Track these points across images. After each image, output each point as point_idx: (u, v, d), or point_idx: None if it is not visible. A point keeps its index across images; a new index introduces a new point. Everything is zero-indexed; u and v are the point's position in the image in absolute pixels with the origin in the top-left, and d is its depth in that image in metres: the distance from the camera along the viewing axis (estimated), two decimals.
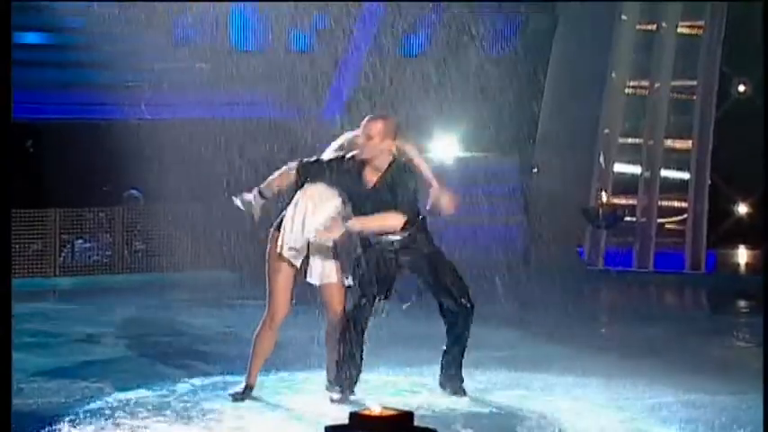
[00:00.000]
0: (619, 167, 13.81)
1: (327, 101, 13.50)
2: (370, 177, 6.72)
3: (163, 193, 12.66)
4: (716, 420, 6.41)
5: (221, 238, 12.57)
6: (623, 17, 13.62)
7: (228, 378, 7.31)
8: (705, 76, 13.32)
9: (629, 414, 6.55)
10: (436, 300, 6.91)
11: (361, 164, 6.71)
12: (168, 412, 6.46)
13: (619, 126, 13.80)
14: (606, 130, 13.75)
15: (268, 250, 6.84)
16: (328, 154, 6.90)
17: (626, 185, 13.69)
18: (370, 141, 6.65)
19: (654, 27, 13.61)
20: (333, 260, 6.91)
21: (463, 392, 6.91)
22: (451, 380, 6.93)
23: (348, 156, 6.76)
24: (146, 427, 6.17)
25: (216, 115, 13.16)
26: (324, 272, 6.88)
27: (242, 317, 10.05)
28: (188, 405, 6.63)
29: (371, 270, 6.80)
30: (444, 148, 13.34)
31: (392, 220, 6.71)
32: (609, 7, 13.50)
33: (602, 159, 13.75)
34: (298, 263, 6.79)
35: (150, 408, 6.55)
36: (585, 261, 13.60)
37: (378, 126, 6.66)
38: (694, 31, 13.46)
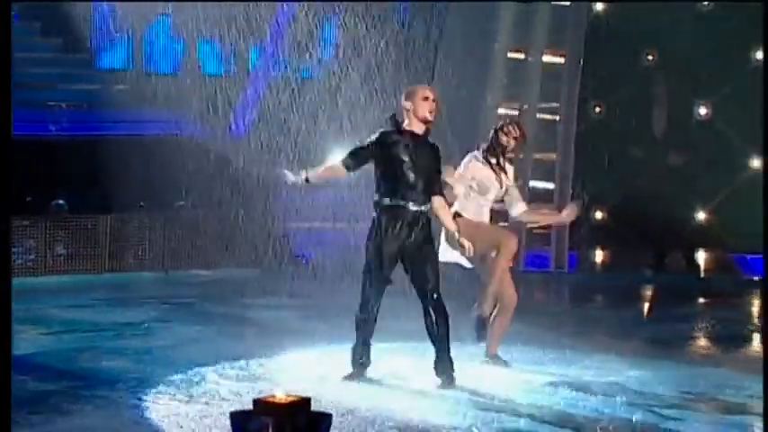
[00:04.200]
0: None
1: (234, 119, 13.46)
2: (405, 137, 6.76)
3: (83, 204, 12.50)
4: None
5: (138, 243, 12.45)
6: (497, 46, 13.85)
7: (147, 369, 7.25)
8: (566, 99, 13.64)
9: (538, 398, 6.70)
10: (415, 288, 6.83)
11: (400, 131, 6.78)
12: (85, 402, 6.39)
13: None
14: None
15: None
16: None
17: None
18: (410, 109, 6.83)
19: (522, 56, 13.87)
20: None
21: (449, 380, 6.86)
22: (438, 366, 6.85)
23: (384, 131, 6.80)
24: (64, 416, 6.10)
25: (131, 133, 13.04)
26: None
27: (157, 314, 9.97)
28: (107, 395, 6.57)
29: (385, 242, 6.70)
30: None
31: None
32: (484, 38, 13.70)
33: None
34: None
35: (69, 398, 6.47)
36: None
37: (412, 98, 6.81)
38: (557, 60, 13.77)
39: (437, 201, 6.87)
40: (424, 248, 6.79)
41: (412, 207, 6.73)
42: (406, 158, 6.72)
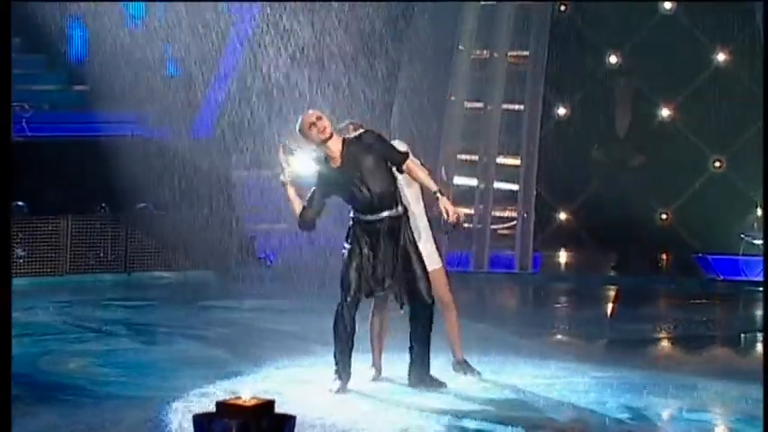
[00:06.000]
0: (458, 180, 14.08)
1: (198, 120, 13.42)
2: (335, 163, 6.71)
3: (43, 205, 12.42)
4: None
5: (99, 244, 12.40)
6: (461, 47, 13.93)
7: (109, 372, 7.23)
8: (530, 100, 13.72)
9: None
10: (400, 293, 6.76)
11: (326, 160, 6.74)
12: (45, 406, 6.37)
13: (458, 143, 14.08)
14: (446, 147, 14.01)
15: None
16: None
17: (465, 196, 13.96)
18: (311, 141, 6.71)
19: (487, 56, 13.96)
20: (432, 244, 6.89)
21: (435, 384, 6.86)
22: (417, 373, 6.84)
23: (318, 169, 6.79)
24: (24, 419, 6.08)
25: (92, 134, 12.97)
26: (429, 258, 6.86)
27: (119, 316, 9.94)
28: (67, 398, 6.55)
29: (359, 260, 6.65)
30: (304, 162, 13.38)
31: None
32: (448, 38, 13.77)
33: (444, 173, 14.00)
34: None
35: (29, 401, 6.45)
36: None
37: (303, 132, 6.71)
38: (521, 61, 13.86)
39: (407, 166, 6.76)
40: (405, 255, 6.74)
41: (376, 217, 6.69)
42: (346, 180, 6.69)
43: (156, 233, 12.41)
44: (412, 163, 6.84)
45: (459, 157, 14.12)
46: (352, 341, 6.79)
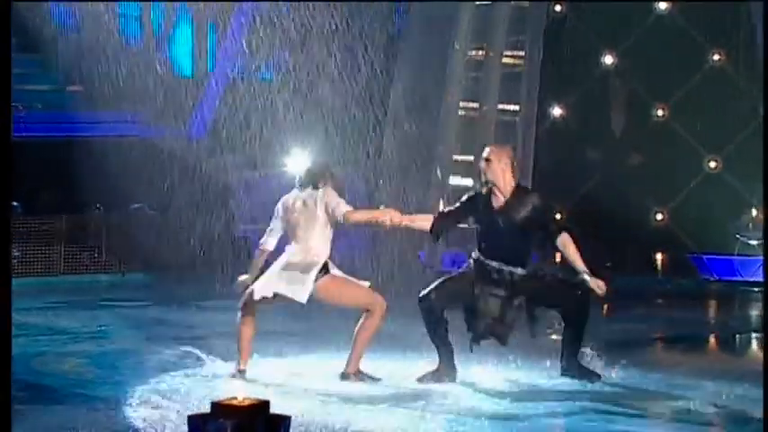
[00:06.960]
0: (454, 180, 14.08)
1: (193, 121, 13.43)
2: (496, 202, 7.00)
3: (37, 205, 12.42)
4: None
5: (94, 245, 12.40)
6: (456, 47, 13.93)
7: (102, 373, 7.23)
8: (526, 100, 13.74)
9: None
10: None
11: (489, 191, 7.00)
12: (37, 408, 6.36)
13: (453, 143, 14.07)
14: (441, 147, 14.02)
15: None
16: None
17: (460, 196, 13.94)
18: (490, 164, 6.96)
19: (482, 56, 13.97)
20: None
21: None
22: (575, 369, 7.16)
23: (477, 191, 7.12)
24: (15, 421, 6.07)
25: (87, 134, 12.98)
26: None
27: (115, 317, 9.93)
28: (60, 400, 6.55)
29: (465, 288, 6.95)
30: (297, 163, 13.38)
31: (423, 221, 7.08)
32: (444, 37, 13.78)
33: (439, 173, 14.00)
34: None
35: (20, 403, 6.44)
36: (424, 264, 13.78)
37: (492, 150, 7.04)
38: (516, 62, 13.87)
39: (561, 241, 7.16)
40: (529, 294, 7.10)
41: (497, 266, 7.02)
42: (496, 222, 7.02)
43: (151, 234, 12.41)
44: (567, 236, 7.14)
45: (454, 157, 14.12)
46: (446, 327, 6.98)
